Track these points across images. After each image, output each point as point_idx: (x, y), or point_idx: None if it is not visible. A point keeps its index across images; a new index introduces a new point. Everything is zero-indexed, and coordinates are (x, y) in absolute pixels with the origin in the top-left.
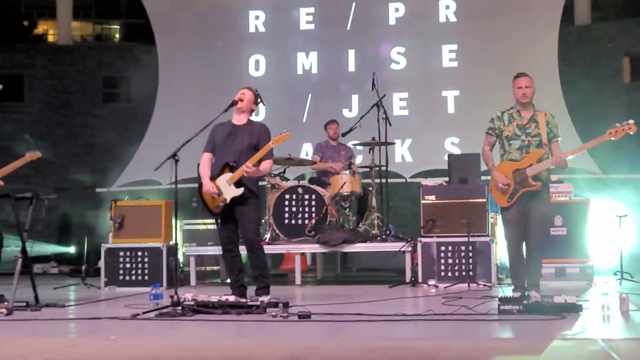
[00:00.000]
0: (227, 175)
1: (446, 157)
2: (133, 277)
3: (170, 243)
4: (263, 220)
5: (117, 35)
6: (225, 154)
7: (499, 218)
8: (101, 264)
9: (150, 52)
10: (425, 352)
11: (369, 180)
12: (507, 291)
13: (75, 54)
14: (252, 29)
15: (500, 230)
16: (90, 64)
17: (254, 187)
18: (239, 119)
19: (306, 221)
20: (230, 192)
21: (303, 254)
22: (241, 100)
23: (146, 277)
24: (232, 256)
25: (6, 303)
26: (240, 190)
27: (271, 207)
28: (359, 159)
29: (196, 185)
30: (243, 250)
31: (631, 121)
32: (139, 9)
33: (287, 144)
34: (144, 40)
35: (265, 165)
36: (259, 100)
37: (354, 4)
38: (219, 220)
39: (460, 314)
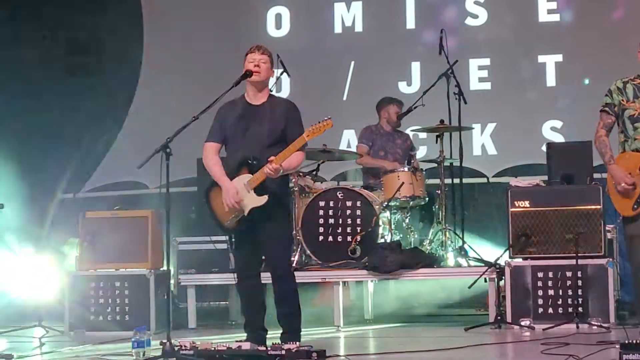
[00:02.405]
0: (245, 178)
1: (544, 148)
2: (109, 317)
3: (161, 269)
4: None
5: None
6: (239, 145)
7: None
8: (64, 298)
9: (132, 5)
10: None
11: (436, 181)
12: (633, 334)
13: (29, 10)
14: None
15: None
16: (49, 22)
17: (283, 193)
18: (255, 97)
19: (349, 238)
20: (250, 200)
21: (345, 284)
22: (257, 72)
23: (127, 317)
24: (251, 287)
25: None
26: (264, 199)
27: (300, 218)
28: (421, 152)
29: (195, 188)
30: (265, 279)
31: None
32: None
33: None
34: None
35: (295, 159)
36: (281, 69)
37: None
38: (233, 239)
39: None
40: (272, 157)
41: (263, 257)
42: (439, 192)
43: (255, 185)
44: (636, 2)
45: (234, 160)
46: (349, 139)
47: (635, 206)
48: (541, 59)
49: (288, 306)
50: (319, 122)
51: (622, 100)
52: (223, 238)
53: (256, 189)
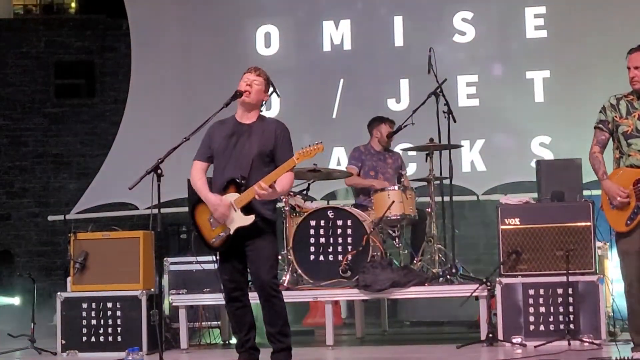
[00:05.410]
0: (233, 197)
1: (534, 164)
2: (101, 339)
3: (152, 290)
4: (280, 256)
5: (73, 5)
6: (227, 164)
7: (613, 248)
8: (57, 320)
9: (120, 27)
10: None
11: (427, 199)
12: (625, 351)
13: (16, 31)
14: None
15: (614, 265)
16: (37, 45)
17: (269, 212)
18: (245, 116)
19: (340, 257)
20: (236, 220)
21: (336, 303)
22: (248, 91)
23: (119, 338)
24: (239, 307)
25: None
26: (251, 219)
27: (291, 237)
28: (411, 170)
29: (185, 209)
30: (253, 299)
31: None
32: None
33: None
34: (110, 11)
35: (284, 181)
36: (271, 89)
37: None
38: (218, 257)
39: None
40: (261, 181)
41: (249, 277)
42: (429, 210)
43: (242, 205)
44: (624, 18)
45: (222, 179)
46: (338, 157)
47: (629, 222)
48: (529, 75)
49: (277, 325)
50: (310, 146)
51: (616, 116)
52: (211, 258)
53: (243, 208)
